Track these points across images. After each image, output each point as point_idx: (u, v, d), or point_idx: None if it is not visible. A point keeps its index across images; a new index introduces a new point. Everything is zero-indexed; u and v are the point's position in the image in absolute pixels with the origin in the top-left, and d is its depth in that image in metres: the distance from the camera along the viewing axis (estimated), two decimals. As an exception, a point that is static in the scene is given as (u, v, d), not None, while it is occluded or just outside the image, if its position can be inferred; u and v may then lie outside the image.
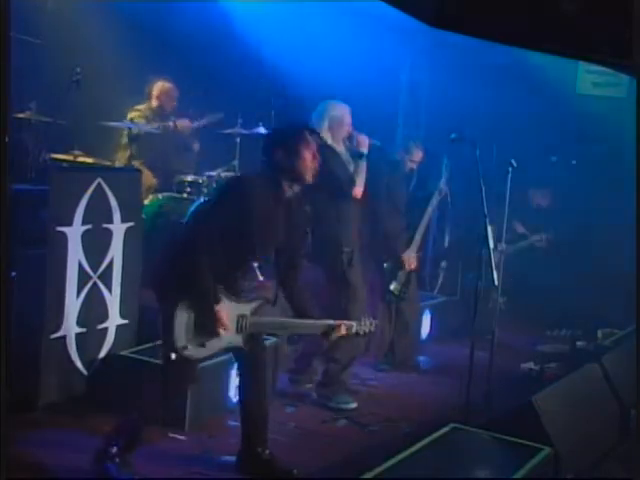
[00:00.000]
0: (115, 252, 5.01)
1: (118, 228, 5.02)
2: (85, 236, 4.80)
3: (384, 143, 5.73)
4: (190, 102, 7.34)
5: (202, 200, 6.24)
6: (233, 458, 4.26)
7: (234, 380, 4.94)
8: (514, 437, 4.19)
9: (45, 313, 4.66)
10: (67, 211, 4.72)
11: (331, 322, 4.02)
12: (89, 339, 4.90)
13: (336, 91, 5.91)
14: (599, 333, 6.71)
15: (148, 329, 5.38)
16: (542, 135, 8.24)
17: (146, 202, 6.43)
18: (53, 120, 6.10)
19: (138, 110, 7.01)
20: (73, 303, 4.77)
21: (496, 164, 5.33)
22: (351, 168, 5.26)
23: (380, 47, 7.96)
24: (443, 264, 7.91)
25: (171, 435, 4.51)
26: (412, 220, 6.25)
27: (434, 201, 6.22)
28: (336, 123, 5.24)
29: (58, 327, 4.70)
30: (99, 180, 4.89)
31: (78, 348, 4.82)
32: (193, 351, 3.86)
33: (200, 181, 6.74)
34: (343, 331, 3.99)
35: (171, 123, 7.12)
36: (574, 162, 7.12)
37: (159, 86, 7.21)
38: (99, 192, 4.89)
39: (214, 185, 6.63)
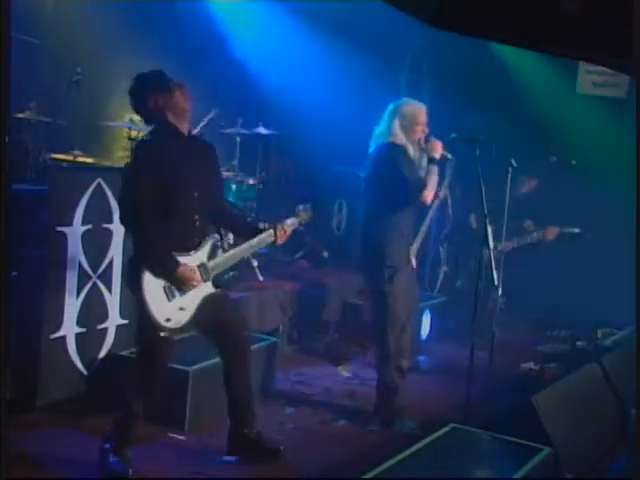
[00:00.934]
0: (115, 252, 5.00)
1: (118, 228, 5.01)
2: (85, 236, 4.80)
3: None
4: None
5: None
6: (233, 458, 4.27)
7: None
8: (514, 437, 4.19)
9: (45, 313, 4.66)
10: (67, 211, 4.72)
11: (264, 226, 4.22)
12: (89, 339, 4.90)
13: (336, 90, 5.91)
14: (599, 333, 6.70)
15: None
16: (542, 135, 8.24)
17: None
18: (53, 120, 6.11)
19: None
20: (73, 303, 4.77)
21: (496, 164, 5.33)
22: (422, 172, 4.99)
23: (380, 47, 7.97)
24: (443, 264, 7.90)
25: (171, 435, 4.52)
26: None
27: (435, 203, 6.20)
28: (408, 121, 4.96)
29: (58, 327, 4.70)
30: (99, 180, 4.89)
31: (78, 348, 4.82)
32: (176, 320, 3.92)
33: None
34: (285, 231, 4.22)
35: None
36: (574, 162, 7.10)
37: None
38: (99, 192, 4.88)
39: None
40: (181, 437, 4.52)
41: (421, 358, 6.48)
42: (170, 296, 3.93)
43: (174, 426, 4.55)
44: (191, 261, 4.00)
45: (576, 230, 7.42)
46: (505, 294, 6.14)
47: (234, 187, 6.84)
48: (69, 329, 4.76)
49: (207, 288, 4.06)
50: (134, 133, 6.45)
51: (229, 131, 7.03)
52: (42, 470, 3.98)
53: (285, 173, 8.23)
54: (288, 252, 7.38)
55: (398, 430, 4.94)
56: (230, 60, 7.63)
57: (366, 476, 3.61)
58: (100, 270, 4.92)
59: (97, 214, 4.88)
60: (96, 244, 4.88)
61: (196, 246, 4.04)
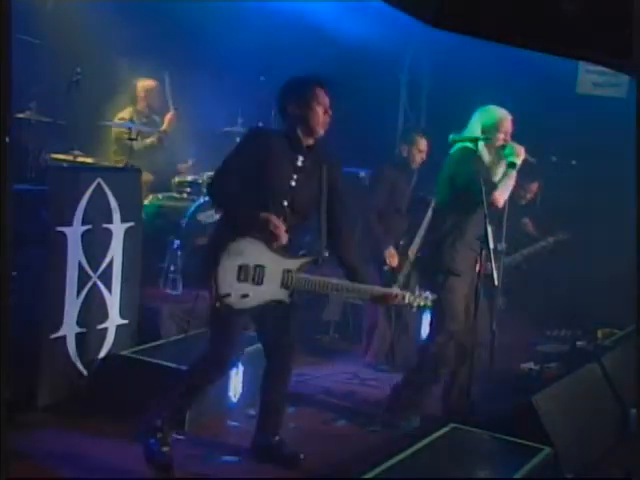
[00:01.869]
0: (115, 252, 5.01)
1: (118, 228, 5.02)
2: (85, 236, 4.80)
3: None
4: (190, 102, 7.34)
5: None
6: (233, 458, 4.27)
7: (234, 380, 4.95)
8: (514, 437, 4.19)
9: (45, 313, 4.66)
10: (67, 211, 4.72)
11: (383, 289, 4.05)
12: (89, 339, 4.90)
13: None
14: (599, 333, 6.70)
15: (148, 329, 5.40)
16: (542, 135, 8.23)
17: (146, 202, 6.43)
18: (53, 120, 6.10)
19: (123, 118, 6.92)
20: (73, 303, 4.78)
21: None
22: (496, 177, 4.85)
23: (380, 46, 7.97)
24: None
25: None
26: (413, 221, 6.25)
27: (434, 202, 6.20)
28: (491, 128, 4.88)
29: (58, 327, 4.70)
30: (99, 180, 4.89)
31: (78, 348, 4.82)
32: (235, 300, 3.87)
33: (200, 181, 6.74)
34: (395, 298, 4.01)
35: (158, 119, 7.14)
36: (574, 162, 7.10)
37: (143, 86, 7.19)
38: (99, 192, 4.89)
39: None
40: (181, 437, 4.51)
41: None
42: (242, 277, 3.86)
43: (174, 426, 4.54)
44: (279, 262, 3.94)
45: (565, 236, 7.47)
46: (505, 294, 6.15)
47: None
48: (69, 329, 4.76)
49: (281, 294, 3.97)
50: (134, 133, 6.45)
51: (229, 130, 7.03)
52: (42, 470, 3.98)
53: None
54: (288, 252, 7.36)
55: (403, 430, 4.92)
56: (229, 60, 7.62)
57: (366, 476, 3.61)
58: (100, 270, 4.93)
59: (97, 214, 4.89)
60: (96, 244, 4.88)
61: (285, 252, 3.95)
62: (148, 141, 7.02)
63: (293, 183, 4.00)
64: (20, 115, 5.85)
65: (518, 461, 3.93)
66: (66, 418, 4.57)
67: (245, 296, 3.89)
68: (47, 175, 5.01)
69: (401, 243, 6.29)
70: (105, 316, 5.00)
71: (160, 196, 6.72)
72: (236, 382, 4.98)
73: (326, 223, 4.08)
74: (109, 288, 4.99)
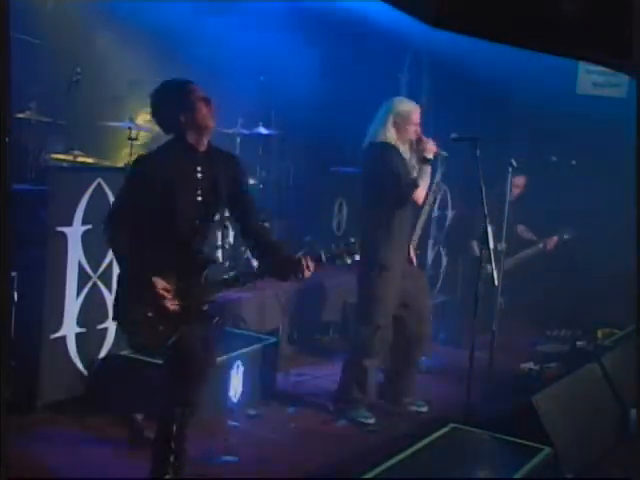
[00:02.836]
0: (115, 252, 5.00)
1: (118, 228, 5.01)
2: (85, 236, 4.80)
3: None
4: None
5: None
6: (233, 458, 4.27)
7: (234, 380, 4.96)
8: (514, 437, 4.19)
9: (45, 313, 4.66)
10: (67, 211, 4.73)
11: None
12: (89, 339, 4.90)
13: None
14: (599, 333, 6.70)
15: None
16: (542, 135, 8.23)
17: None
18: (53, 120, 6.11)
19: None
20: (73, 303, 4.78)
21: (496, 164, 5.33)
22: (415, 172, 4.97)
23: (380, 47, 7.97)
24: (443, 264, 7.90)
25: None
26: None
27: (431, 198, 6.19)
28: (402, 120, 4.94)
29: (58, 327, 4.70)
30: (99, 180, 4.89)
31: (78, 348, 4.82)
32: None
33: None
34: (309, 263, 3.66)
35: None
36: (574, 162, 7.10)
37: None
38: (99, 192, 4.89)
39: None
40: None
41: (421, 358, 6.46)
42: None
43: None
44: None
45: (568, 236, 7.49)
46: (505, 294, 6.15)
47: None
48: (69, 329, 4.76)
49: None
50: (134, 133, 6.45)
51: (229, 131, 7.02)
52: (42, 470, 3.98)
53: (285, 173, 8.22)
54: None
55: (352, 419, 5.04)
56: (229, 60, 7.61)
57: (366, 476, 3.61)
58: (100, 270, 4.93)
59: (97, 214, 4.86)
60: (96, 244, 4.87)
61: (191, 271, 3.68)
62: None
63: (199, 198, 3.71)
64: (20, 115, 5.85)
65: (518, 461, 3.93)
66: (66, 418, 4.57)
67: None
68: (47, 175, 5.01)
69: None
70: (105, 316, 4.99)
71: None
72: (236, 382, 4.99)
73: (239, 226, 3.93)
74: (109, 288, 4.98)
